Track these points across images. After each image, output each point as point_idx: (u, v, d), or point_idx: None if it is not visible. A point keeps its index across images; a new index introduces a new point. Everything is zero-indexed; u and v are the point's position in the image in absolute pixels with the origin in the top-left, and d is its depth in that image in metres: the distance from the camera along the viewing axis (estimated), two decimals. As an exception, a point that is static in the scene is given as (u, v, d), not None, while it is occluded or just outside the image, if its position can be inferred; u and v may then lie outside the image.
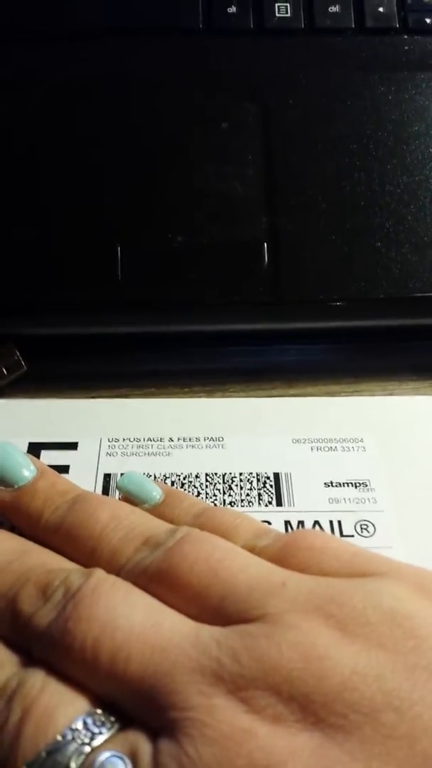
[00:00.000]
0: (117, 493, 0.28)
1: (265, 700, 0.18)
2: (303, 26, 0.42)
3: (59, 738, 0.18)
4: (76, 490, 0.27)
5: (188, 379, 0.38)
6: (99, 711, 0.19)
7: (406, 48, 0.41)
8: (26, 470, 0.27)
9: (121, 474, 0.29)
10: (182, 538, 0.23)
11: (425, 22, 0.42)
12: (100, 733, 0.18)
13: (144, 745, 0.18)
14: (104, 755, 0.18)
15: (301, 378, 0.39)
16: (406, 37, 0.42)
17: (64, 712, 0.19)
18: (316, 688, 0.18)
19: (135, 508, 0.26)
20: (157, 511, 0.27)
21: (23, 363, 0.36)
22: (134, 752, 0.18)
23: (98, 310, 0.36)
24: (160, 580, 0.22)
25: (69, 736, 0.18)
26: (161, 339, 0.39)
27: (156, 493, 0.27)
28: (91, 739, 0.18)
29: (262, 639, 0.19)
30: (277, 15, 0.41)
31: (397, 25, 0.42)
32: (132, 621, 0.20)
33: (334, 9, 0.42)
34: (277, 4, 0.42)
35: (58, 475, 0.27)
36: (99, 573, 0.22)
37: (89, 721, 0.19)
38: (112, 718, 0.19)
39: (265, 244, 0.37)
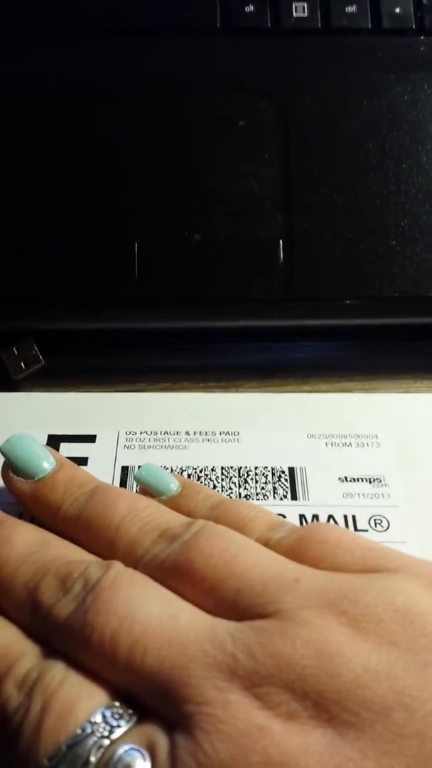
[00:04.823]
0: (135, 484, 0.28)
1: (280, 697, 0.18)
2: (320, 26, 0.41)
3: (79, 731, 0.18)
4: (94, 481, 0.27)
5: (203, 375, 0.38)
6: (117, 703, 0.19)
7: (422, 48, 0.41)
8: (46, 462, 0.27)
9: (139, 466, 0.29)
10: (198, 531, 0.23)
11: (442, 22, 0.42)
12: (119, 726, 0.19)
13: (161, 739, 0.18)
14: (123, 748, 0.18)
15: (315, 375, 0.39)
16: (422, 37, 0.42)
17: (84, 705, 0.19)
18: (328, 685, 0.18)
19: (152, 500, 0.26)
20: (173, 502, 0.27)
21: (41, 357, 0.36)
22: (152, 745, 0.18)
23: (115, 306, 0.37)
24: (176, 574, 0.22)
25: (88, 729, 0.18)
26: (177, 335, 0.40)
27: (173, 484, 0.28)
28: (110, 732, 0.18)
29: (277, 636, 0.19)
30: (294, 15, 0.41)
31: (414, 26, 0.42)
32: (149, 614, 0.20)
33: (351, 9, 0.42)
34: (294, 4, 0.41)
35: (77, 467, 0.28)
36: (117, 566, 0.22)
37: (108, 713, 0.19)
38: (130, 711, 0.19)
39: (281, 242, 0.37)
